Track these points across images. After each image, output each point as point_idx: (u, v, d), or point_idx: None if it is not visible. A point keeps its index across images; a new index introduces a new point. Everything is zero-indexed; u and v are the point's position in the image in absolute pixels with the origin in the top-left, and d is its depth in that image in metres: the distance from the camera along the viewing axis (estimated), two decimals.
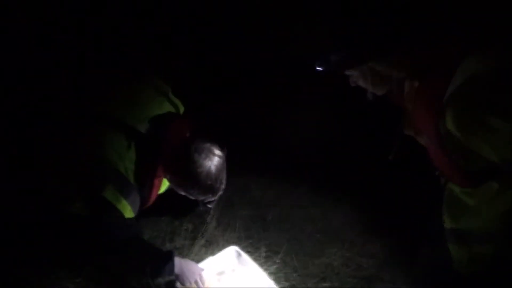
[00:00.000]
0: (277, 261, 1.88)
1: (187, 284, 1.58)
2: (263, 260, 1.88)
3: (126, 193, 1.48)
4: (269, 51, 2.91)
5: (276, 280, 1.75)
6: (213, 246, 1.91)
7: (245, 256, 1.84)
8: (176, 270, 1.56)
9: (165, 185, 1.75)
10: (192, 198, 1.70)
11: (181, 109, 1.82)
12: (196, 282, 1.61)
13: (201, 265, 1.77)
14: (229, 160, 1.93)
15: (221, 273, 1.83)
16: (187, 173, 1.59)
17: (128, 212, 1.51)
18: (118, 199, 1.46)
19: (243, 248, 1.89)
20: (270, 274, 1.79)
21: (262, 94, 2.85)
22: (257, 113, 2.74)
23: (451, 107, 1.00)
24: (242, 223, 2.10)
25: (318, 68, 1.15)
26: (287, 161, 2.49)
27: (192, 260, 1.81)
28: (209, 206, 1.79)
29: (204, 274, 1.68)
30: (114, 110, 1.60)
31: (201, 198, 1.69)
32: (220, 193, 1.69)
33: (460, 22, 1.06)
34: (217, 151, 1.64)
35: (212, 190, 1.64)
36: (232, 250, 1.87)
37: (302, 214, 2.22)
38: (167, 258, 1.56)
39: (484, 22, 1.05)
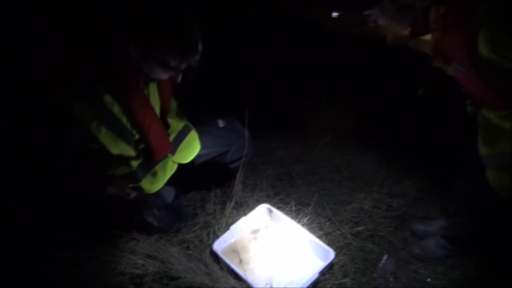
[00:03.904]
0: (309, 212, 1.90)
1: None
2: (295, 214, 1.90)
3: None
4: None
5: (311, 230, 1.78)
6: (244, 207, 1.94)
7: (277, 212, 1.87)
8: None
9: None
10: (173, 68, 1.39)
11: None
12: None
13: (235, 226, 1.81)
14: (249, 123, 1.94)
15: (255, 231, 1.87)
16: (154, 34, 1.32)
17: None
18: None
19: (273, 205, 1.92)
20: (304, 225, 1.82)
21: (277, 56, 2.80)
22: (273, 74, 2.71)
23: (483, 29, 0.97)
24: (269, 182, 2.12)
25: (334, 14, 1.12)
26: (307, 115, 2.48)
27: (226, 222, 1.86)
28: (192, 76, 1.53)
29: None
30: None
31: (181, 61, 1.38)
32: (198, 54, 1.39)
33: None
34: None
35: (189, 48, 1.35)
36: (263, 208, 1.90)
37: (327, 165, 2.22)
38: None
39: None
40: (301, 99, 2.62)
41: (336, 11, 1.14)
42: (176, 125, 1.72)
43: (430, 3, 1.11)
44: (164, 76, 1.42)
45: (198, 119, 1.87)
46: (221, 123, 1.93)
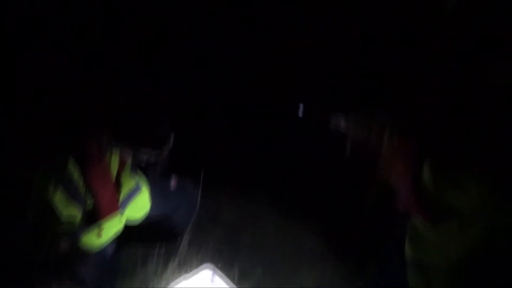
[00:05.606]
0: (251, 280, 1.88)
1: None
2: (238, 281, 1.87)
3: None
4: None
5: None
6: (186, 267, 1.89)
7: (219, 276, 1.82)
8: None
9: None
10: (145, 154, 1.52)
11: None
12: None
13: (175, 285, 1.73)
14: (201, 182, 1.96)
15: None
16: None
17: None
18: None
19: (217, 268, 1.87)
20: None
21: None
22: (229, 134, 2.78)
23: (429, 165, 1.10)
24: (214, 244, 2.09)
25: (301, 115, 1.22)
26: (260, 182, 2.52)
27: (167, 280, 1.78)
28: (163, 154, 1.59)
29: None
30: None
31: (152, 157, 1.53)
32: (169, 144, 1.53)
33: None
34: None
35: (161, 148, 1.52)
36: (205, 270, 1.84)
37: (274, 236, 2.24)
38: None
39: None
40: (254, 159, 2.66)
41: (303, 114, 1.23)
42: (128, 183, 1.73)
43: (384, 130, 1.23)
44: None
45: (151, 176, 1.87)
46: (173, 183, 1.94)
